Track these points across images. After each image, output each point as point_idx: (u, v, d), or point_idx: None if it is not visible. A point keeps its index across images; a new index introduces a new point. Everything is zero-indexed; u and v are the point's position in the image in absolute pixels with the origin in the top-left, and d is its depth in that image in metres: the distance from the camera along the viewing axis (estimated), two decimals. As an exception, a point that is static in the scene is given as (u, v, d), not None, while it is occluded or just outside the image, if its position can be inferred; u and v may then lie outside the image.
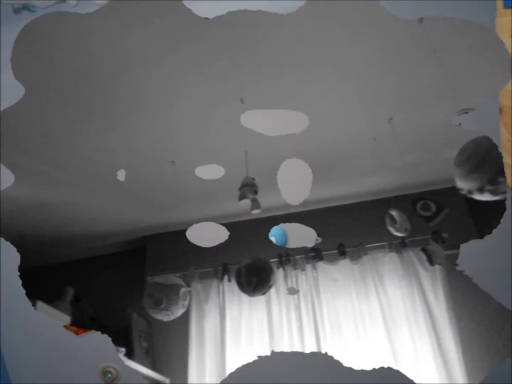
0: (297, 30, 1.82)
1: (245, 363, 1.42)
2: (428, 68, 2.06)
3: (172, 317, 2.10)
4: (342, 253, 2.84)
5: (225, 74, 2.01)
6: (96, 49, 1.83)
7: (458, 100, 2.26)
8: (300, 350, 2.61)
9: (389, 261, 2.76)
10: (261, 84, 2.09)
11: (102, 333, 3.14)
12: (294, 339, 2.64)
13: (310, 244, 2.55)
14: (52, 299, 2.82)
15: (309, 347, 2.60)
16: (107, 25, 1.73)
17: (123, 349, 2.27)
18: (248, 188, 1.89)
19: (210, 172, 2.44)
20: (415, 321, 2.54)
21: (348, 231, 3.07)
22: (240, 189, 1.91)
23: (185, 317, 2.89)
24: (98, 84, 2.01)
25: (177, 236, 3.40)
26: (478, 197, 1.44)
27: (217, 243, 2.15)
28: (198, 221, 3.35)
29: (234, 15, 1.74)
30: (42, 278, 3.69)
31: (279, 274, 2.85)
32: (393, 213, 2.19)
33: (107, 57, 1.87)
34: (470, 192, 1.43)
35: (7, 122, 2.18)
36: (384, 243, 2.81)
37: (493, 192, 1.39)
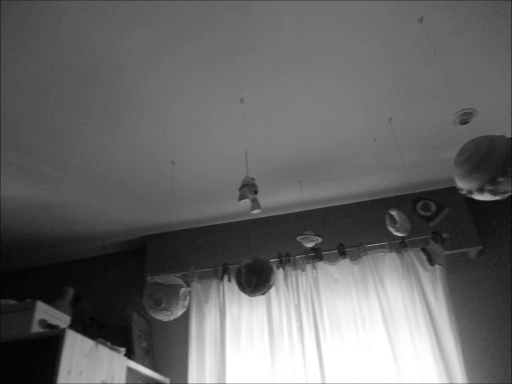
0: (297, 30, 1.83)
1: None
2: (428, 68, 2.06)
3: (172, 317, 2.10)
4: (342, 253, 2.84)
5: (225, 74, 2.01)
6: (96, 49, 1.84)
7: (458, 100, 2.26)
8: (300, 350, 2.61)
9: (389, 261, 2.76)
10: (261, 84, 2.09)
11: (102, 333, 3.16)
12: (294, 339, 2.64)
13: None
14: (52, 299, 2.83)
15: (309, 347, 2.60)
16: (107, 25, 1.73)
17: (123, 349, 2.27)
18: (248, 188, 1.89)
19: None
20: (415, 321, 2.54)
21: (348, 231, 3.07)
22: (240, 189, 1.90)
23: (185, 317, 2.90)
24: (98, 84, 2.02)
25: (177, 236, 3.41)
26: (478, 197, 1.43)
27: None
28: (198, 221, 3.36)
29: (234, 15, 1.74)
30: (42, 278, 3.70)
31: (279, 274, 2.84)
32: (393, 213, 2.19)
33: (107, 57, 1.88)
34: (470, 192, 1.43)
35: (7, 122, 2.18)
36: (384, 243, 2.81)
37: (493, 192, 1.38)
